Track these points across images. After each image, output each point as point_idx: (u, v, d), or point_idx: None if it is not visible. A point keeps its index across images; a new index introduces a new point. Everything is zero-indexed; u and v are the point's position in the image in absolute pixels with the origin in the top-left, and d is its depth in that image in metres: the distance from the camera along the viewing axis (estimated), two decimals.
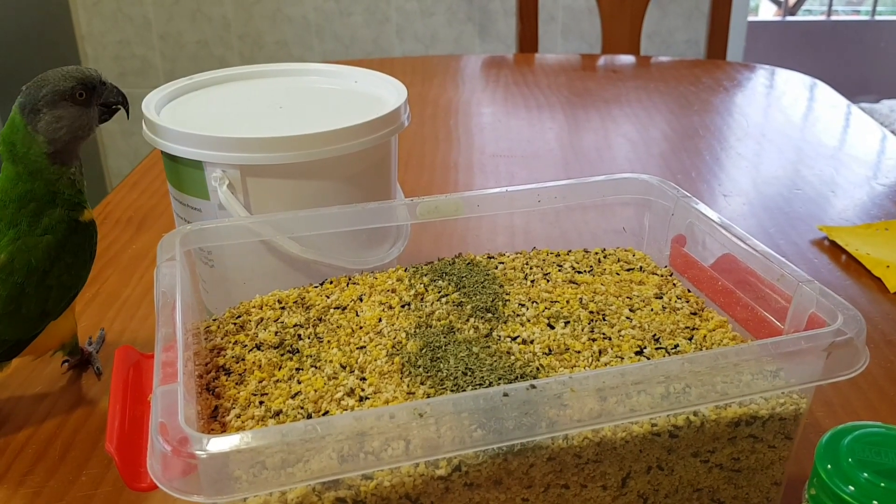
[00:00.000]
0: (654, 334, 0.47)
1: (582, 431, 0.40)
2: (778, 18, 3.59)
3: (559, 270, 0.55)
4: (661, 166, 1.03)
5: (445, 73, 1.46)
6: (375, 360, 0.45)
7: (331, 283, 0.54)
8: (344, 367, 0.45)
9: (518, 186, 0.58)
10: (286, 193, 0.58)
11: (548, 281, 0.54)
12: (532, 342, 0.46)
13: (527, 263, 0.56)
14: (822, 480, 0.34)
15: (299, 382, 0.43)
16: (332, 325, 0.49)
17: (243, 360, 0.46)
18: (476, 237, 0.62)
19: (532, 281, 0.54)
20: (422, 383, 0.43)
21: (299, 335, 0.48)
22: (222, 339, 0.48)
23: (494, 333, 0.47)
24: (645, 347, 0.46)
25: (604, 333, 0.47)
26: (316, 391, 0.42)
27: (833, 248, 0.80)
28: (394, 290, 0.52)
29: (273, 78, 0.71)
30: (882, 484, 0.33)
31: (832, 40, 3.39)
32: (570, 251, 0.58)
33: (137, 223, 0.87)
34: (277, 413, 0.41)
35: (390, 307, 0.50)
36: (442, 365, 0.44)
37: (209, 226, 0.53)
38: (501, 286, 0.53)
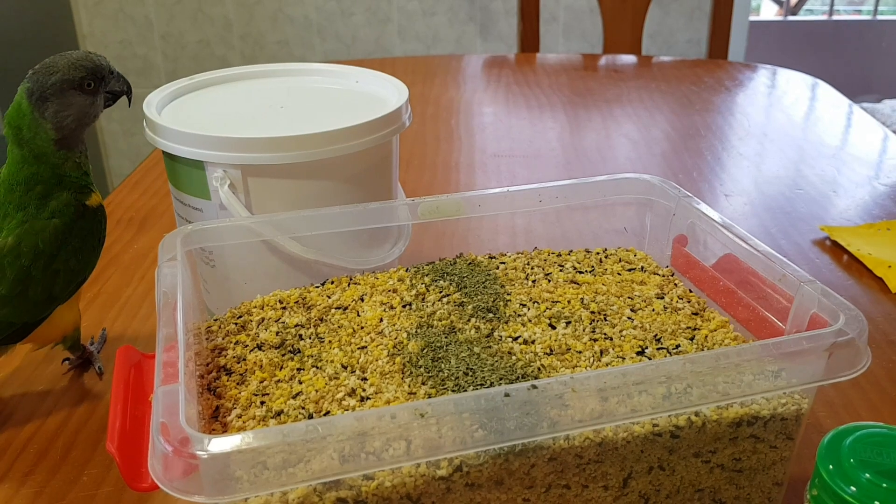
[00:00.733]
0: (656, 334, 0.47)
1: (583, 432, 0.40)
2: (779, 18, 3.59)
3: (560, 270, 0.55)
4: (663, 166, 1.03)
5: (447, 72, 1.46)
6: (377, 361, 0.45)
7: (332, 283, 0.54)
8: (345, 368, 0.45)
9: (519, 186, 0.58)
10: (287, 193, 0.58)
11: (549, 281, 0.54)
12: (533, 342, 0.46)
13: (528, 263, 0.56)
14: (824, 481, 0.34)
15: (300, 382, 0.43)
16: (333, 325, 0.49)
17: (244, 360, 0.46)
18: (477, 237, 0.62)
19: (533, 281, 0.54)
20: (423, 383, 0.43)
21: (300, 335, 0.48)
22: (223, 339, 0.48)
23: (496, 333, 0.47)
24: (646, 347, 0.46)
25: (605, 334, 0.47)
26: (317, 391, 0.42)
27: (835, 248, 0.80)
28: (395, 290, 0.52)
29: (274, 78, 0.71)
30: (884, 484, 0.33)
31: (834, 40, 3.39)
32: (571, 251, 0.58)
33: (139, 223, 0.88)
34: (278, 413, 0.41)
35: (391, 307, 0.50)
36: (443, 365, 0.44)
37: (210, 226, 0.53)
38: (503, 286, 0.53)
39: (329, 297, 0.52)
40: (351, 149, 0.57)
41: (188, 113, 0.63)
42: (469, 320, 0.48)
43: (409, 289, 0.52)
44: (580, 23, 2.48)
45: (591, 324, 0.48)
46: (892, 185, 0.96)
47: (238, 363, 0.46)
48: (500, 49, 2.50)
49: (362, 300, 0.51)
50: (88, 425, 0.56)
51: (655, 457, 0.42)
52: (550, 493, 0.41)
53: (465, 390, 0.42)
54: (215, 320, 0.51)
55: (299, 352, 0.46)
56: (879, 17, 3.45)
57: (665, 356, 0.45)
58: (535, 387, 0.37)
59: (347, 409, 0.41)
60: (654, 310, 0.50)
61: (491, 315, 0.49)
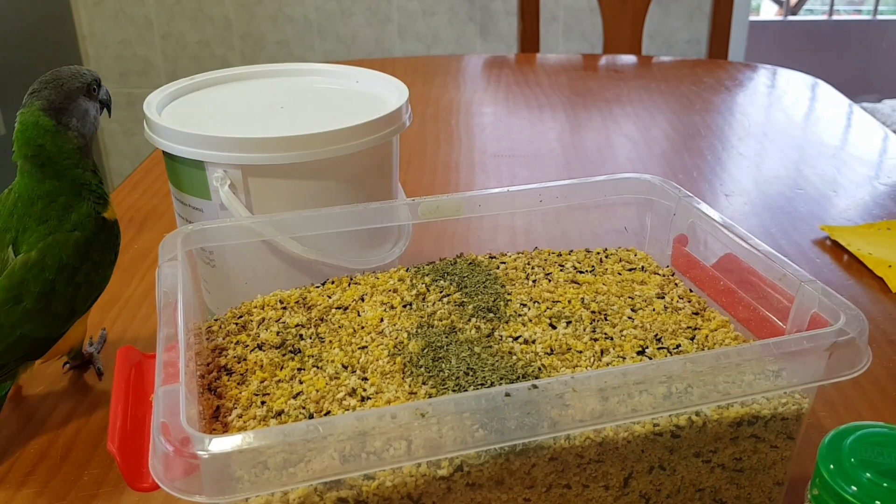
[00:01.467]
0: (656, 334, 0.47)
1: (584, 431, 0.40)
2: (779, 18, 3.59)
3: (561, 270, 0.55)
4: (663, 166, 1.03)
5: (447, 72, 1.46)
6: (377, 360, 0.45)
7: (332, 283, 0.54)
8: (346, 367, 0.45)
9: (519, 186, 0.58)
10: (288, 193, 0.58)
11: (549, 281, 0.54)
12: (534, 342, 0.46)
13: (528, 263, 0.56)
14: (825, 480, 0.34)
15: (301, 382, 0.43)
16: (333, 325, 0.49)
17: (245, 360, 0.46)
18: (477, 237, 0.62)
19: (534, 281, 0.54)
20: (423, 383, 0.43)
21: (301, 335, 0.48)
22: (224, 339, 0.48)
23: (496, 333, 0.47)
24: (647, 347, 0.46)
25: (606, 333, 0.47)
26: (318, 391, 0.42)
27: (835, 248, 0.80)
28: (395, 290, 0.52)
29: (274, 78, 0.71)
30: (885, 484, 0.33)
31: (834, 40, 3.39)
32: (571, 251, 0.58)
33: (139, 223, 0.87)
34: (279, 413, 0.41)
35: (392, 307, 0.50)
36: (444, 365, 0.44)
37: (211, 226, 0.53)
38: (503, 286, 0.53)
39: (329, 297, 0.52)
40: (351, 149, 0.57)
41: (188, 113, 0.63)
42: (469, 320, 0.48)
43: (410, 289, 0.52)
44: (580, 23, 2.48)
45: (591, 323, 0.48)
46: (892, 184, 0.96)
47: (238, 363, 0.46)
48: (500, 49, 2.50)
49: (363, 300, 0.51)
50: (89, 425, 0.56)
51: (656, 456, 0.42)
52: (551, 493, 0.41)
53: (466, 390, 0.42)
54: (216, 320, 0.51)
55: (300, 352, 0.46)
56: (879, 17, 3.45)
57: (665, 356, 0.45)
58: (535, 386, 0.37)
59: (348, 409, 0.41)
60: (654, 309, 0.50)
61: (491, 315, 0.49)
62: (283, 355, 0.46)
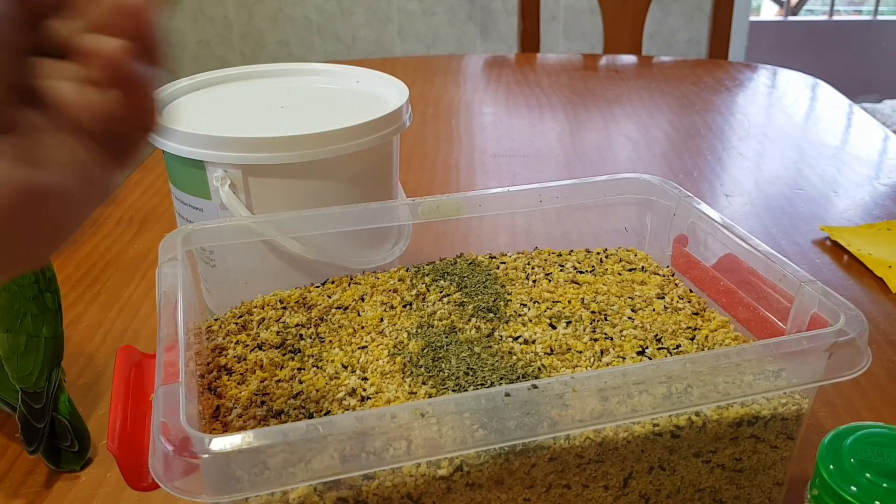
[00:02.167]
0: (656, 334, 0.47)
1: (584, 431, 0.40)
2: (780, 18, 3.59)
3: (561, 270, 0.55)
4: (663, 166, 1.03)
5: (447, 72, 1.46)
6: (377, 360, 0.45)
7: (332, 282, 0.54)
8: (345, 367, 0.45)
9: (519, 186, 0.58)
10: (288, 193, 0.58)
11: (549, 281, 0.54)
12: (534, 342, 0.46)
13: (528, 263, 0.56)
14: (825, 481, 0.34)
15: (301, 382, 0.43)
16: (333, 324, 0.49)
17: (245, 359, 0.46)
18: (477, 237, 0.62)
19: (534, 281, 0.54)
20: (423, 383, 0.43)
21: (301, 335, 0.48)
22: (224, 338, 0.48)
23: (496, 333, 0.47)
24: (647, 347, 0.46)
25: (605, 333, 0.47)
26: (317, 391, 0.42)
27: (835, 248, 0.80)
28: (395, 290, 0.52)
29: (274, 78, 0.71)
30: (884, 484, 0.33)
31: (834, 40, 3.39)
32: (571, 251, 0.58)
33: (139, 223, 0.87)
34: (279, 413, 0.41)
35: (392, 307, 0.50)
36: (444, 365, 0.44)
37: (211, 225, 0.53)
38: (503, 286, 0.53)
39: (329, 297, 0.52)
40: (351, 149, 0.57)
41: (188, 113, 0.63)
42: (469, 320, 0.48)
43: (410, 288, 0.52)
44: (580, 23, 2.48)
45: (591, 324, 0.48)
46: (892, 185, 0.96)
47: (238, 363, 0.46)
48: (500, 49, 2.50)
49: (363, 300, 0.51)
50: (89, 425, 0.56)
51: (656, 457, 0.42)
52: (551, 493, 0.41)
53: (466, 390, 0.42)
54: (216, 320, 0.51)
55: (300, 351, 0.46)
56: (879, 17, 3.46)
57: (665, 356, 0.45)
58: (535, 386, 0.37)
59: (348, 409, 0.41)
60: (654, 310, 0.50)
61: (491, 315, 0.49)
62: (283, 355, 0.46)
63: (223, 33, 2.52)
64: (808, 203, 0.91)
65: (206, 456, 0.33)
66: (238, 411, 0.42)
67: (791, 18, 3.55)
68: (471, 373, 0.43)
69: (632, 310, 0.50)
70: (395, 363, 0.44)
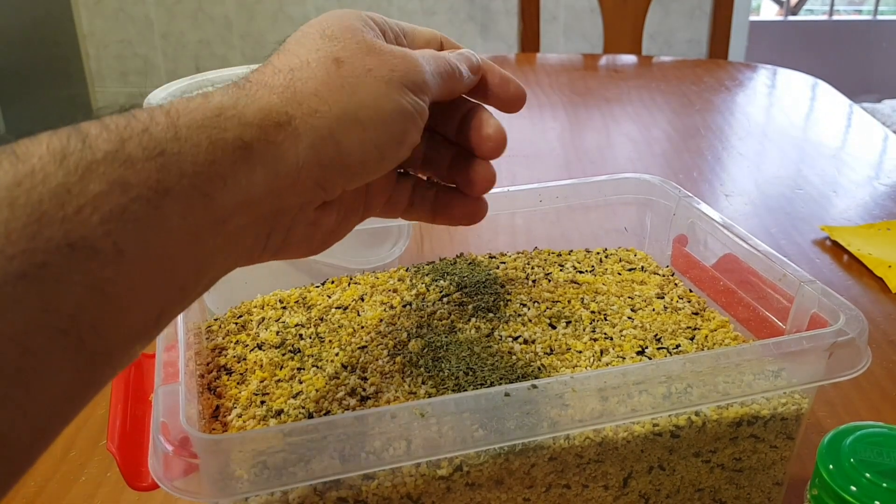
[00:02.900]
0: (656, 334, 0.47)
1: (583, 431, 0.40)
2: (780, 18, 3.59)
3: (561, 270, 0.55)
4: (663, 166, 1.03)
5: None
6: (377, 360, 0.45)
7: (332, 282, 0.54)
8: (345, 367, 0.45)
9: (520, 186, 0.58)
10: None
11: (549, 281, 0.54)
12: (533, 342, 0.46)
13: (528, 263, 0.56)
14: (824, 481, 0.34)
15: (301, 382, 0.43)
16: (333, 324, 0.49)
17: (245, 359, 0.46)
18: (477, 237, 0.62)
19: (533, 281, 0.54)
20: (423, 383, 0.43)
21: (301, 335, 0.48)
22: (224, 338, 0.48)
23: (496, 333, 0.47)
24: (646, 347, 0.46)
25: (605, 333, 0.47)
26: (317, 391, 0.42)
27: (835, 248, 0.80)
28: (395, 290, 0.52)
29: None
30: (884, 484, 0.33)
31: (834, 40, 3.39)
32: (571, 251, 0.58)
33: None
34: (279, 413, 0.41)
35: (392, 307, 0.50)
36: (443, 365, 0.44)
37: None
38: (503, 286, 0.53)
39: (329, 297, 0.52)
40: None
41: None
42: (469, 320, 0.48)
43: (410, 288, 0.52)
44: (580, 23, 2.48)
45: (591, 323, 0.48)
46: (892, 185, 0.96)
47: (238, 363, 0.46)
48: (500, 49, 2.50)
49: (362, 300, 0.51)
50: (88, 425, 0.56)
51: (655, 456, 0.42)
52: (551, 493, 0.41)
53: (466, 390, 0.42)
54: (215, 320, 0.51)
55: (299, 351, 0.46)
56: (879, 17, 3.45)
57: (665, 356, 0.45)
58: (535, 386, 0.37)
59: (348, 409, 0.41)
60: (654, 310, 0.50)
61: (491, 315, 0.49)
62: (283, 355, 0.46)
63: (223, 33, 2.52)
64: (808, 203, 0.91)
65: (206, 456, 0.34)
66: (238, 411, 0.42)
67: (791, 18, 3.55)
68: (470, 373, 0.43)
69: (631, 310, 0.50)
70: (394, 363, 0.44)
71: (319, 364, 0.45)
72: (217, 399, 0.43)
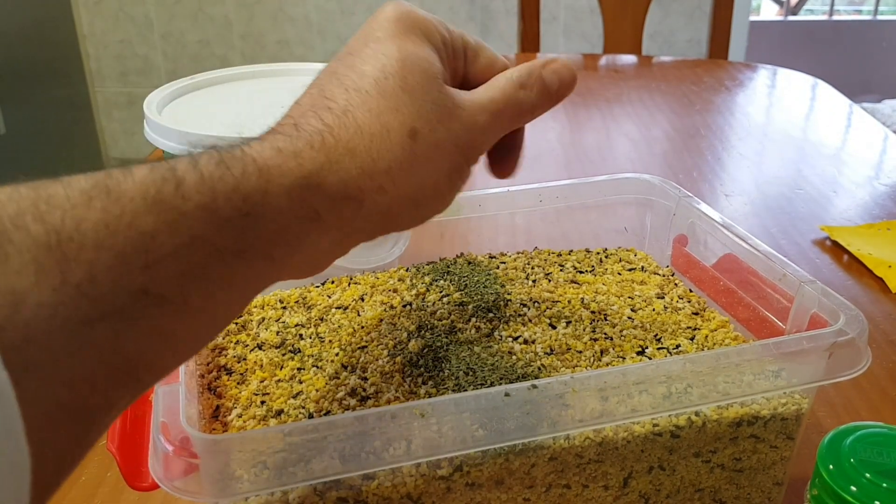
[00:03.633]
0: (656, 334, 0.47)
1: (583, 431, 0.40)
2: (780, 18, 3.59)
3: (561, 270, 0.55)
4: (663, 166, 1.03)
5: None
6: (377, 360, 0.45)
7: (332, 282, 0.54)
8: (345, 367, 0.45)
9: (520, 186, 0.58)
10: None
11: (549, 281, 0.54)
12: (534, 342, 0.46)
13: (528, 263, 0.56)
14: (824, 481, 0.34)
15: (301, 382, 0.43)
16: (333, 324, 0.49)
17: (245, 359, 0.46)
18: (477, 237, 0.62)
19: (534, 281, 0.54)
20: (423, 383, 0.43)
21: (301, 335, 0.48)
22: (224, 338, 0.48)
23: (496, 333, 0.47)
24: (646, 347, 0.46)
25: (605, 333, 0.47)
26: (317, 391, 0.42)
27: (835, 248, 0.80)
28: (395, 290, 0.52)
29: (275, 78, 0.71)
30: (884, 484, 0.33)
31: (834, 40, 3.39)
32: (571, 251, 0.58)
33: None
34: (279, 413, 0.41)
35: (392, 307, 0.50)
36: (444, 365, 0.44)
37: None
38: (503, 286, 0.53)
39: (329, 297, 0.52)
40: None
41: (188, 113, 0.63)
42: (469, 320, 0.48)
43: (410, 288, 0.52)
44: (580, 23, 2.48)
45: (591, 323, 0.48)
46: (892, 185, 0.96)
47: (238, 363, 0.46)
48: (500, 49, 2.49)
49: (362, 300, 0.51)
50: None
51: (655, 456, 0.42)
52: (551, 493, 0.41)
53: (466, 390, 0.42)
54: None
55: (300, 351, 0.46)
56: (879, 17, 3.46)
57: (665, 356, 0.45)
58: (535, 386, 0.37)
59: (348, 409, 0.41)
60: (654, 310, 0.50)
61: (491, 315, 0.49)
62: (283, 355, 0.46)
63: (223, 33, 2.52)
64: (808, 203, 0.91)
65: (206, 456, 0.34)
66: (238, 411, 0.42)
67: (791, 18, 3.55)
68: (471, 373, 0.43)
69: (631, 309, 0.50)
70: (395, 363, 0.44)
71: (319, 364, 0.45)
72: (217, 399, 0.43)
